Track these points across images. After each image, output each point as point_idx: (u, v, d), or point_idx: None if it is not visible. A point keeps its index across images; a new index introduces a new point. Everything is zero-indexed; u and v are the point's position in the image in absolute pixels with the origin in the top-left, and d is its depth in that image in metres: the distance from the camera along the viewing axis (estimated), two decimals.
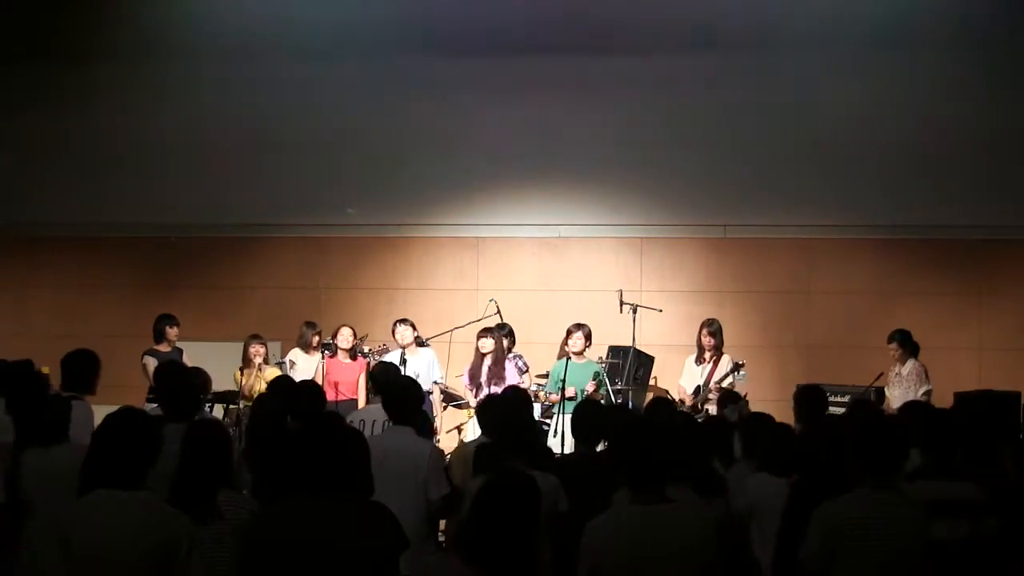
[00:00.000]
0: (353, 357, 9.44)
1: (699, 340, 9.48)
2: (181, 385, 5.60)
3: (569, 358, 8.93)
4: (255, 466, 4.53)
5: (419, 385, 5.88)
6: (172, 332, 9.60)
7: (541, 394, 9.11)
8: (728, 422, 6.35)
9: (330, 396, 9.02)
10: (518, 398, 5.85)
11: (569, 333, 9.15)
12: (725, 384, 8.94)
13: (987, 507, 4.36)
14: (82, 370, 6.18)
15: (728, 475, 5.23)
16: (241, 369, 9.20)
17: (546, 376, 9.33)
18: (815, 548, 3.80)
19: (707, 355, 9.38)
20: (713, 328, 9.44)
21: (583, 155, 11.01)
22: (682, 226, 11.02)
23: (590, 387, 8.69)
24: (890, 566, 3.72)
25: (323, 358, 9.32)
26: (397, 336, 9.46)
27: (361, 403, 9.13)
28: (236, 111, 11.53)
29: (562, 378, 8.66)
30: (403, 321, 9.56)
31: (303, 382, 6.61)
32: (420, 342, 9.62)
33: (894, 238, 10.73)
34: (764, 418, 5.66)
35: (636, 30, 10.94)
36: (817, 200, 10.74)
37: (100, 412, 6.17)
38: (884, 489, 3.81)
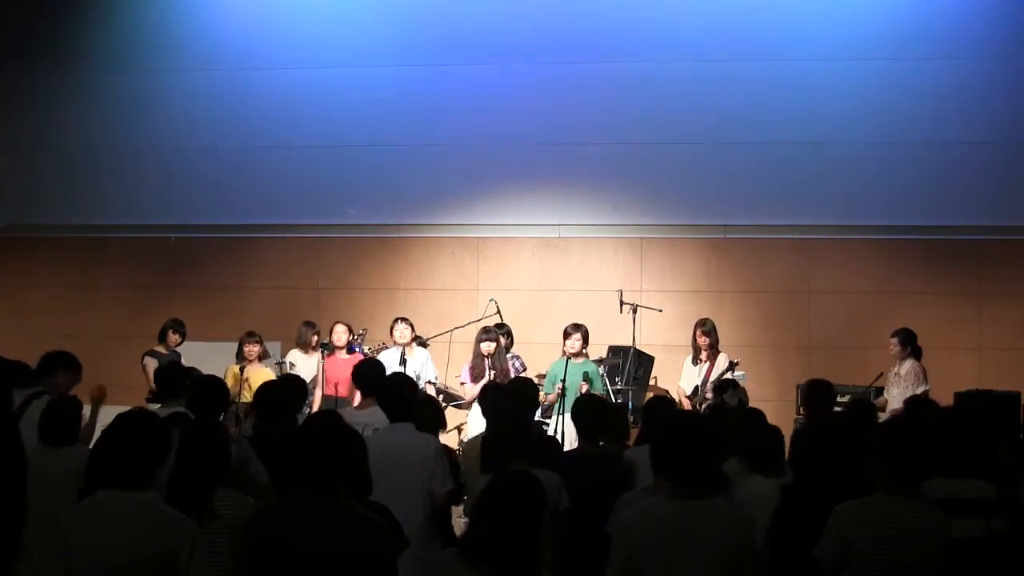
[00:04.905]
0: (351, 352, 9.39)
1: (694, 340, 9.51)
2: (208, 387, 5.67)
3: (569, 358, 8.91)
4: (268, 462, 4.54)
5: (409, 379, 5.86)
6: (174, 338, 9.67)
7: (540, 394, 9.07)
8: (727, 408, 6.34)
9: (330, 394, 9.04)
10: (522, 388, 5.83)
11: (567, 335, 9.07)
12: None
13: (998, 506, 4.35)
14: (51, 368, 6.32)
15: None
16: (241, 368, 9.19)
17: (545, 376, 9.32)
18: (831, 547, 3.80)
19: (703, 355, 9.40)
20: (707, 327, 9.45)
21: (583, 155, 11.01)
22: (682, 226, 11.01)
23: (582, 388, 8.67)
24: (904, 570, 3.71)
25: (322, 358, 9.30)
26: (395, 335, 9.43)
27: (358, 399, 9.10)
28: (236, 112, 11.54)
29: (561, 378, 8.65)
30: (402, 320, 9.53)
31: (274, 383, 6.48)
32: (420, 342, 9.60)
33: (894, 238, 10.72)
34: (755, 415, 5.64)
35: (636, 32, 10.95)
36: (817, 200, 10.72)
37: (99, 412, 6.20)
38: (906, 494, 3.80)
